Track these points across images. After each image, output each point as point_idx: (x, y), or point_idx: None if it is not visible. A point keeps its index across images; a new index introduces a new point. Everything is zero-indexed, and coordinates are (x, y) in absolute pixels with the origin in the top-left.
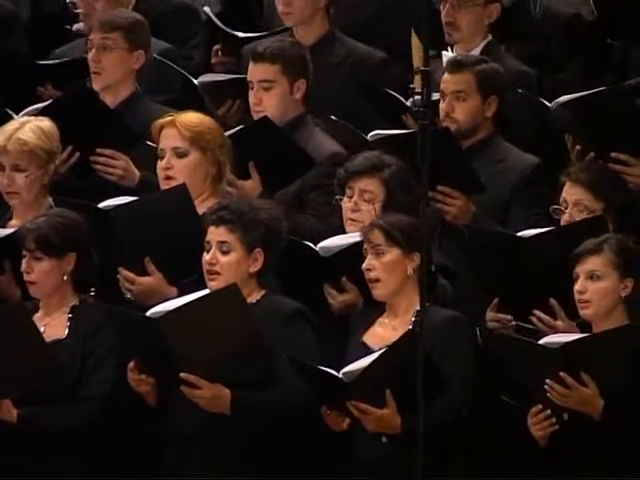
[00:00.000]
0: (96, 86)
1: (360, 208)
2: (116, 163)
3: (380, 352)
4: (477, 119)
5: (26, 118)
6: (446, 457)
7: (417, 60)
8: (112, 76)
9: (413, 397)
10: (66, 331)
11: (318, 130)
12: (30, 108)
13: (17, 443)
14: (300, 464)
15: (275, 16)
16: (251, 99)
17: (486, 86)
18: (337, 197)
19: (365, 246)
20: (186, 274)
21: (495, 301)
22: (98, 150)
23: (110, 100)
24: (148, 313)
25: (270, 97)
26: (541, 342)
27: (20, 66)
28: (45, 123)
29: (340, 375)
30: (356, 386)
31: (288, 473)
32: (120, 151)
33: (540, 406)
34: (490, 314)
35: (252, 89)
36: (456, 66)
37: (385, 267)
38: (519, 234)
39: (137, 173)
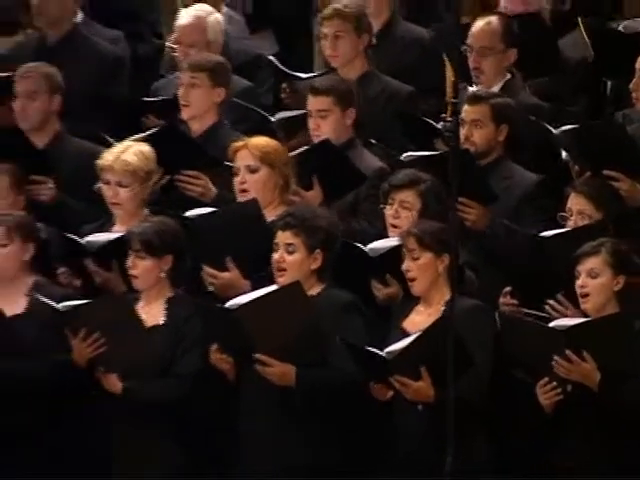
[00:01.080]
0: (185, 116)
1: (400, 216)
2: (197, 182)
3: (416, 335)
4: (491, 143)
5: (130, 142)
6: (469, 425)
7: (449, 93)
8: (198, 108)
9: (444, 372)
10: (162, 319)
11: (365, 151)
12: (132, 137)
13: (119, 414)
14: (350, 433)
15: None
16: (310, 126)
17: (499, 116)
18: (381, 206)
19: (403, 249)
20: (258, 270)
21: (507, 289)
22: (183, 172)
23: (196, 128)
24: (227, 304)
25: (326, 124)
26: (550, 325)
27: (127, 101)
28: (145, 148)
29: (384, 354)
30: (397, 363)
31: (341, 441)
32: (201, 172)
33: (547, 379)
34: (502, 299)
35: (311, 117)
36: (475, 99)
37: (420, 268)
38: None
39: (214, 190)
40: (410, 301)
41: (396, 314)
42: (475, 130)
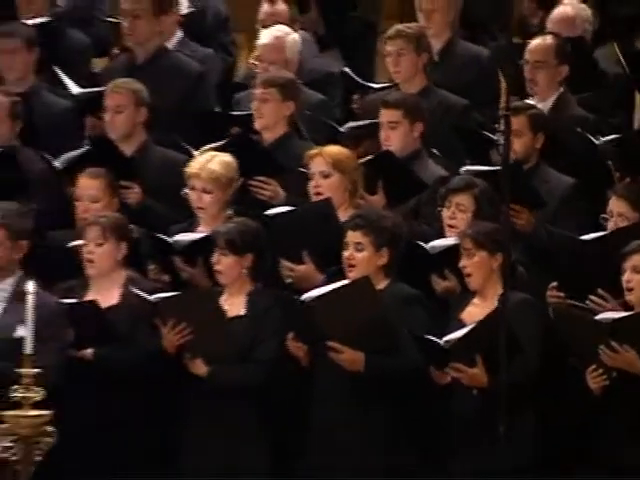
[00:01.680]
0: (257, 127)
1: (456, 217)
2: (267, 187)
3: (472, 326)
4: (529, 151)
5: (215, 153)
6: (519, 408)
7: (503, 107)
8: (269, 120)
9: (497, 359)
10: (243, 310)
11: (430, 160)
12: (209, 146)
13: (203, 394)
14: (411, 413)
15: None
16: (381, 136)
17: (536, 125)
18: (439, 208)
19: (461, 248)
20: (330, 265)
21: (553, 284)
22: (255, 177)
23: (267, 137)
24: (303, 297)
25: (395, 135)
26: (596, 318)
27: (210, 114)
28: (228, 158)
29: (442, 343)
30: (454, 351)
31: (405, 424)
32: (271, 177)
33: (594, 366)
34: (549, 293)
35: (382, 128)
36: (514, 111)
37: (475, 265)
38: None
39: (282, 193)
40: (467, 294)
41: (454, 306)
42: (516, 139)
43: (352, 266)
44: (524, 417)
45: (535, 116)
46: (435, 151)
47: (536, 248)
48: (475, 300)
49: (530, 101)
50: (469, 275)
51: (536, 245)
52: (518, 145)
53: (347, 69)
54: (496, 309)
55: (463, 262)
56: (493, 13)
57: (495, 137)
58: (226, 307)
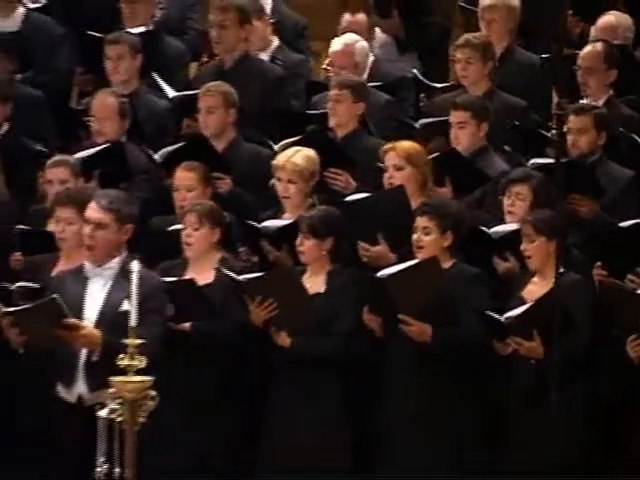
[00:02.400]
0: (331, 124)
1: (515, 205)
2: (340, 177)
3: (529, 305)
4: (593, 147)
5: (299, 148)
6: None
7: (556, 107)
8: (341, 118)
9: (552, 333)
10: (323, 288)
11: (496, 156)
12: (288, 140)
13: (288, 365)
14: (474, 381)
15: None
16: (451, 135)
17: (599, 124)
18: (500, 197)
19: (522, 233)
20: (402, 246)
21: (598, 263)
22: (329, 169)
23: (340, 132)
24: (378, 274)
25: (463, 134)
26: (637, 292)
27: (290, 113)
28: (311, 152)
29: (502, 319)
30: (513, 327)
31: (468, 388)
32: (343, 169)
33: (635, 335)
34: (595, 271)
35: (452, 128)
36: (580, 111)
37: (535, 249)
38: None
39: (353, 184)
40: (527, 274)
41: (516, 285)
42: (579, 137)
43: (420, 247)
44: (575, 386)
45: (599, 115)
46: (507, 148)
47: (589, 233)
48: (535, 279)
49: (582, 102)
50: (529, 257)
51: (597, 231)
52: (583, 141)
53: (416, 72)
54: (551, 289)
55: (524, 246)
56: (547, 25)
57: (549, 134)
58: (307, 285)
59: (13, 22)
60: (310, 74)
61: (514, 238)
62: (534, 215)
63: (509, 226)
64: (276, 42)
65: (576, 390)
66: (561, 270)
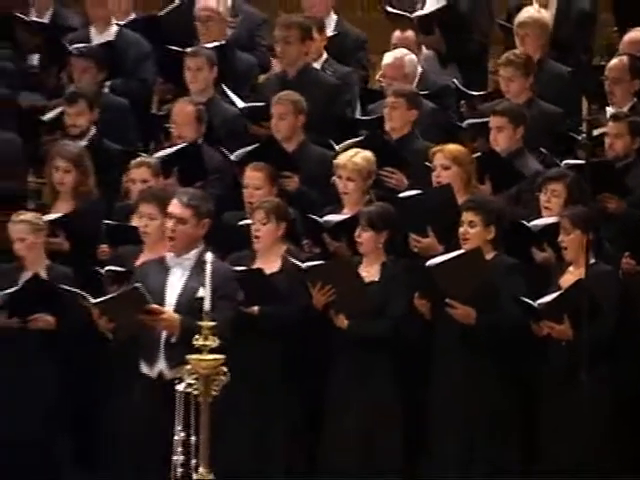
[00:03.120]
0: (387, 128)
1: (551, 201)
2: (394, 176)
3: (559, 292)
4: (627, 150)
5: (358, 149)
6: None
7: (585, 114)
8: (396, 123)
9: (581, 317)
10: (378, 277)
11: (531, 157)
12: (347, 142)
13: (345, 344)
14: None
15: None
16: (491, 137)
17: (635, 130)
18: (537, 193)
19: (560, 227)
20: (448, 238)
21: (627, 253)
22: (384, 168)
23: (395, 135)
24: (427, 264)
25: (501, 137)
26: None
27: (349, 119)
28: (369, 154)
29: (536, 305)
30: (546, 312)
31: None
32: (397, 169)
33: None
34: (624, 260)
35: (491, 131)
36: (616, 118)
37: (571, 241)
38: None
39: (406, 182)
40: (563, 264)
41: (554, 273)
42: (616, 141)
43: (466, 240)
44: (603, 366)
45: (634, 122)
46: (543, 150)
47: (624, 227)
48: (570, 269)
49: (609, 109)
50: (566, 249)
51: (627, 225)
52: (619, 145)
53: (457, 82)
54: (579, 279)
55: (561, 237)
56: (578, 39)
57: (579, 137)
58: (364, 274)
59: (107, 37)
60: (356, 85)
61: (551, 231)
62: (571, 210)
63: (547, 220)
64: (325, 56)
65: (603, 374)
66: (592, 261)
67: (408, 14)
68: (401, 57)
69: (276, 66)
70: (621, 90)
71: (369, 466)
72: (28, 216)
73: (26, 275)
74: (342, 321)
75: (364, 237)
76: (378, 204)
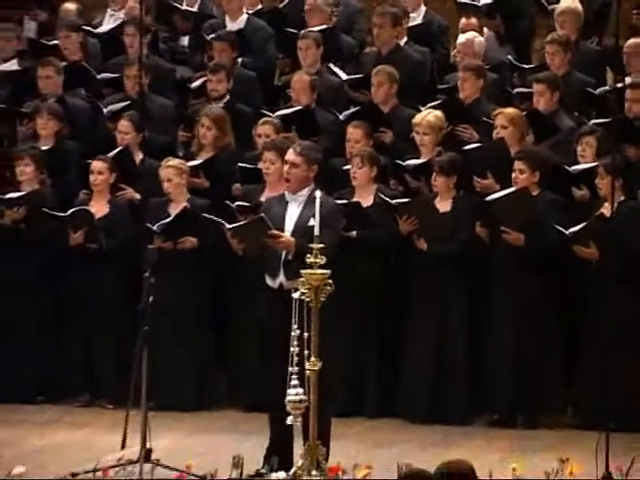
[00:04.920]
0: (461, 95)
1: (585, 151)
2: (467, 131)
3: (585, 223)
4: None
5: (430, 110)
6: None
7: (611, 83)
8: (469, 91)
9: (605, 242)
10: (449, 208)
11: (565, 116)
12: (430, 104)
13: (424, 263)
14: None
15: None
16: (534, 100)
17: None
18: (574, 145)
19: (597, 172)
20: (503, 181)
21: None
22: (460, 125)
23: (467, 100)
24: (487, 199)
25: (543, 100)
26: None
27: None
28: (439, 112)
29: (568, 233)
30: (574, 238)
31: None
32: (469, 125)
33: None
34: None
35: (534, 95)
36: (633, 85)
37: (604, 184)
38: None
39: (476, 136)
40: (599, 201)
41: (592, 208)
42: (634, 104)
43: (517, 182)
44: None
45: None
46: (576, 113)
47: None
48: (606, 204)
49: (628, 78)
50: (600, 189)
51: None
52: (636, 107)
53: (511, 57)
54: (600, 213)
55: (597, 180)
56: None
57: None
58: (438, 206)
59: (239, 24)
60: (429, 61)
61: (587, 174)
62: (604, 160)
63: (584, 165)
64: (405, 39)
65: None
66: (621, 198)
67: (475, 2)
68: (472, 38)
69: (372, 46)
70: (637, 62)
71: (441, 362)
72: (174, 162)
73: (175, 207)
74: (422, 244)
75: (439, 181)
76: (448, 154)
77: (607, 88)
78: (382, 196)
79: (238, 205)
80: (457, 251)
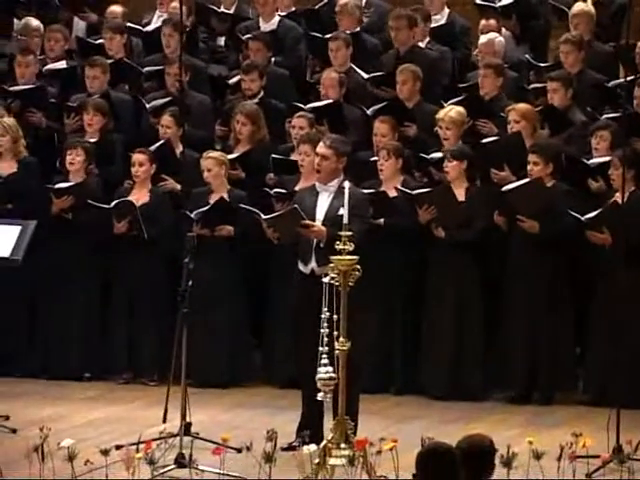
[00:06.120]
0: (481, 92)
1: (600, 144)
2: (486, 125)
3: (599, 210)
4: None
5: (453, 106)
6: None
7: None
8: (489, 88)
9: (617, 229)
10: (463, 197)
11: (578, 111)
12: (452, 100)
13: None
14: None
15: None
16: (548, 97)
17: None
18: (589, 138)
19: (611, 164)
20: (519, 172)
21: None
22: (479, 120)
23: (487, 97)
24: (503, 189)
25: (557, 96)
26: None
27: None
28: (460, 108)
29: (583, 219)
30: (588, 224)
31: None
32: (487, 120)
33: None
34: None
35: (549, 92)
36: None
37: (617, 175)
38: None
39: (495, 130)
40: (612, 192)
41: (606, 199)
42: None
43: (531, 175)
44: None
45: None
46: (589, 109)
47: None
48: (617, 194)
49: None
50: (614, 180)
51: None
52: None
53: (527, 56)
54: (614, 201)
55: (611, 171)
56: (617, 22)
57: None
58: (458, 196)
59: (272, 25)
60: (449, 59)
61: (603, 167)
62: (617, 152)
63: (600, 159)
64: (427, 39)
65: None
66: (632, 189)
67: (493, 4)
68: (492, 38)
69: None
70: None
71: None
72: (214, 154)
73: (214, 197)
74: (440, 232)
75: (449, 166)
76: (460, 145)
77: (620, 81)
78: (401, 188)
79: (276, 192)
80: (473, 238)
